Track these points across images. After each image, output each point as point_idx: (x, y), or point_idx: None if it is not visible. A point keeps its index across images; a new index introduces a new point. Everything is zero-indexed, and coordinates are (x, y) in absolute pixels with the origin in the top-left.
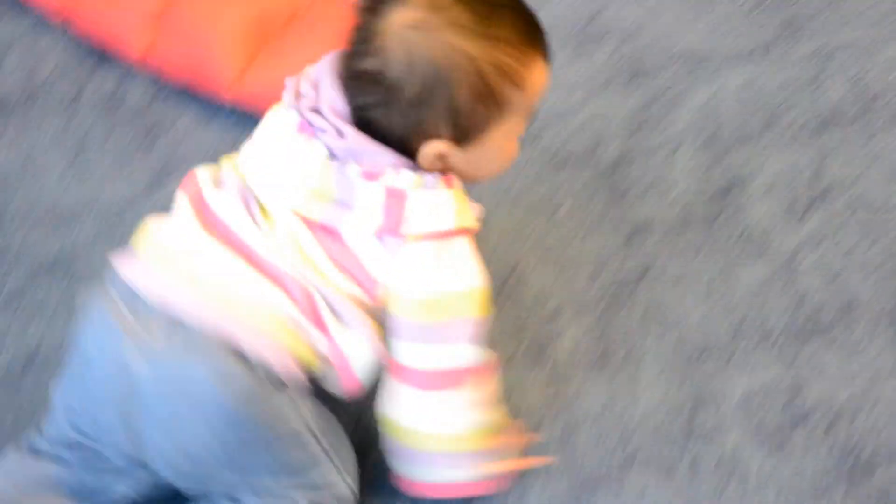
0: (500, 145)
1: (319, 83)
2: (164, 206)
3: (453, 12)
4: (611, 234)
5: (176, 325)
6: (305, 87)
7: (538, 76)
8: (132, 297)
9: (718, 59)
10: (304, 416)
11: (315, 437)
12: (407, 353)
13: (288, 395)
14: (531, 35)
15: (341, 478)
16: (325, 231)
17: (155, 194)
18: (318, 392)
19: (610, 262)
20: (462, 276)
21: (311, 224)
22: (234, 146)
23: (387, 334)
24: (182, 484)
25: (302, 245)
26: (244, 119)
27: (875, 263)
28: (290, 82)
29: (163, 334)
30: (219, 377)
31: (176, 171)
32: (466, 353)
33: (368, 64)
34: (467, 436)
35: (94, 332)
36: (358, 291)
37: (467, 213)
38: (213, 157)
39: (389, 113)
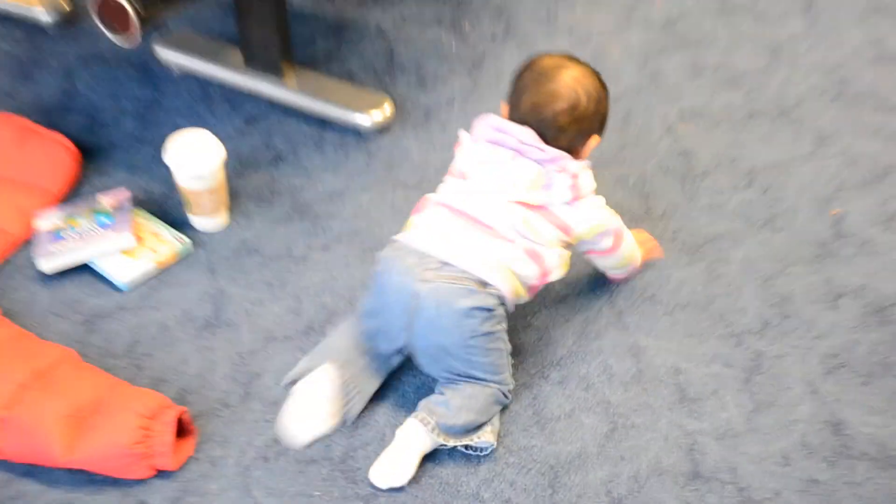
0: None
1: (507, 130)
2: None
3: (578, 62)
4: None
5: (443, 265)
6: (494, 137)
7: None
8: (415, 252)
9: None
10: (506, 339)
11: (510, 354)
12: (601, 245)
13: (504, 321)
14: None
15: (509, 377)
16: (541, 208)
17: None
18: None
19: None
20: (603, 208)
21: (532, 207)
22: None
23: (582, 249)
24: (427, 368)
25: (528, 219)
26: None
27: None
28: (469, 137)
29: (434, 269)
30: (469, 295)
31: None
32: (613, 236)
33: (563, 104)
34: (631, 255)
35: (390, 272)
36: (563, 236)
37: (594, 184)
38: None
39: (577, 124)
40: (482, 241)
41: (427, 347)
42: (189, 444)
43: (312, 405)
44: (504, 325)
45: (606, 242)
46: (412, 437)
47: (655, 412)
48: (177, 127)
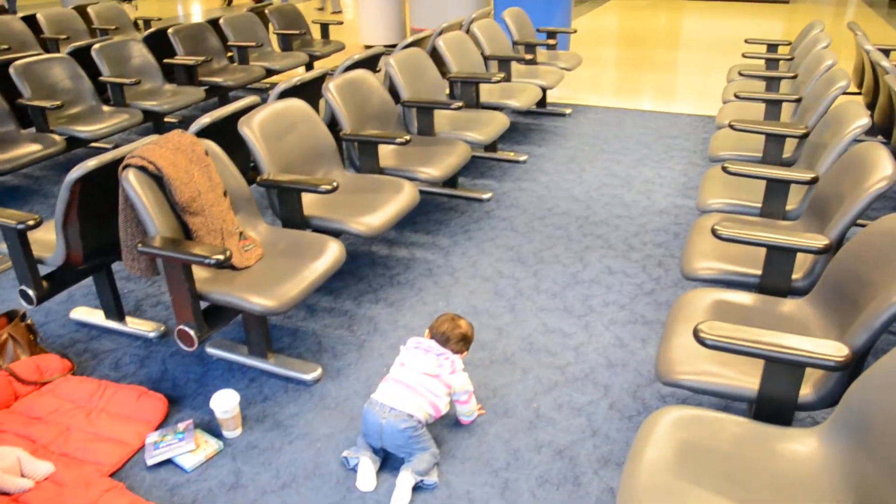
0: None
1: (422, 343)
2: None
3: (459, 324)
4: None
5: (391, 409)
6: (419, 345)
7: None
8: (378, 404)
9: None
10: (426, 434)
11: (431, 440)
12: (461, 397)
13: (424, 427)
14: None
15: (435, 448)
16: (436, 377)
17: None
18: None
19: None
20: (466, 378)
21: (432, 376)
22: None
23: (454, 398)
24: (396, 452)
25: (429, 384)
26: None
27: None
28: (406, 348)
29: (388, 412)
30: (404, 421)
31: None
32: (469, 392)
33: (455, 341)
34: (473, 408)
35: (369, 413)
36: (447, 390)
37: (462, 364)
38: None
39: (458, 345)
40: (409, 396)
41: (391, 444)
42: None
43: (368, 474)
44: (424, 429)
45: (464, 396)
46: (404, 479)
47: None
48: (217, 385)
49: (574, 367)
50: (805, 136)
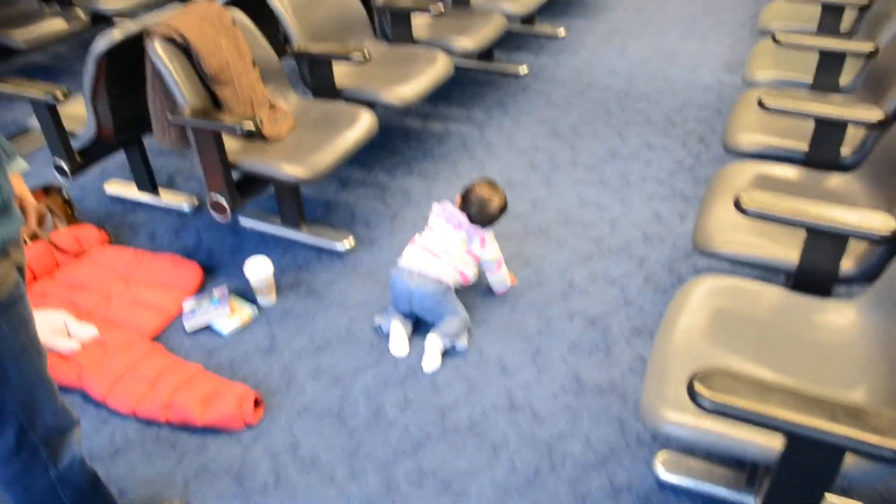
0: None
1: (454, 215)
2: None
3: (497, 193)
4: None
5: (420, 274)
6: (448, 215)
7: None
8: (406, 269)
9: None
10: (455, 298)
11: (460, 304)
12: (491, 266)
13: (453, 292)
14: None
15: (465, 313)
16: (467, 252)
17: None
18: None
19: None
20: (496, 248)
21: (463, 251)
22: None
23: (483, 266)
24: (425, 317)
25: (458, 256)
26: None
27: None
28: (434, 214)
29: (416, 276)
30: (432, 285)
31: None
32: (498, 262)
33: (490, 216)
34: (505, 277)
35: (397, 279)
36: (475, 261)
37: (492, 233)
38: None
39: (484, 220)
40: (438, 263)
41: (420, 309)
42: (261, 411)
43: (400, 339)
44: (452, 294)
45: (494, 266)
46: (432, 342)
47: (490, 378)
48: (250, 255)
49: (609, 240)
50: (867, 6)
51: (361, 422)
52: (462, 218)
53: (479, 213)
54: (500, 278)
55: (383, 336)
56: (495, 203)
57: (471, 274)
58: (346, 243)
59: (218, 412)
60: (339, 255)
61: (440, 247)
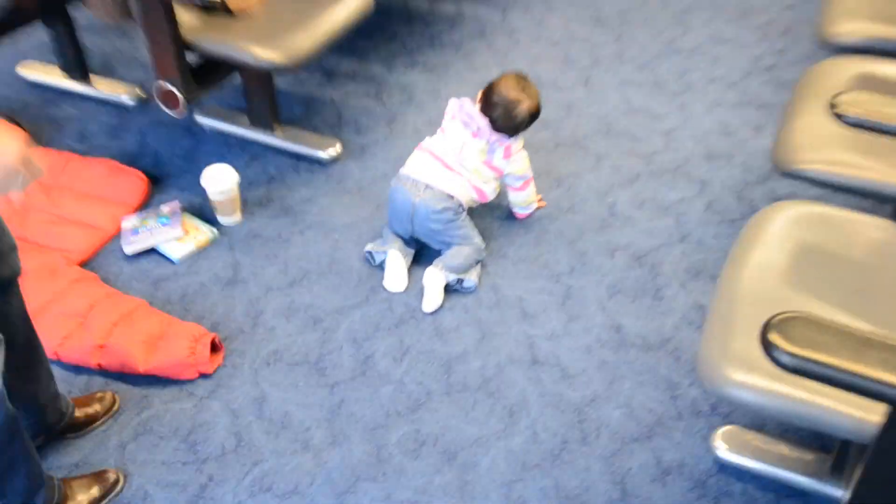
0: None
1: (473, 118)
2: None
3: (528, 92)
4: None
5: (427, 187)
6: (466, 118)
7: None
8: (410, 180)
9: None
10: (468, 220)
11: (474, 229)
12: (516, 183)
13: (466, 212)
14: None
15: (479, 240)
16: (486, 163)
17: None
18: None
19: None
20: (524, 160)
21: (482, 162)
22: None
23: (506, 182)
24: (430, 243)
25: (477, 169)
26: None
27: None
28: (449, 115)
29: (422, 189)
30: (441, 201)
31: None
32: (528, 177)
33: (519, 122)
34: (532, 198)
35: (398, 192)
36: (496, 175)
37: (522, 142)
38: None
39: (510, 127)
40: (449, 175)
41: (424, 232)
42: (219, 357)
43: (397, 271)
44: (465, 215)
45: (519, 183)
46: (432, 276)
47: (508, 324)
48: (209, 163)
49: (663, 157)
50: None
51: (345, 374)
52: (483, 123)
53: (505, 119)
54: (526, 199)
55: (375, 267)
56: (525, 106)
57: (489, 191)
58: (330, 151)
59: (165, 357)
60: (321, 165)
61: (454, 156)
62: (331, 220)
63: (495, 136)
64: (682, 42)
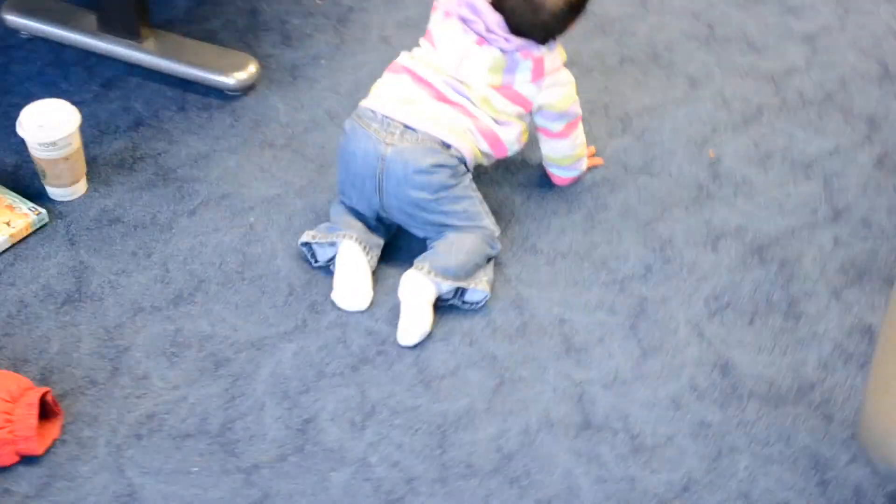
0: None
1: (479, 12)
2: None
3: None
4: None
5: (406, 129)
6: (467, 14)
7: None
8: (377, 118)
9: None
10: (474, 188)
11: (483, 203)
12: (554, 126)
13: (469, 175)
14: None
15: (491, 222)
16: (501, 88)
17: None
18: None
19: None
20: (568, 86)
21: (495, 87)
22: None
23: (537, 123)
24: (408, 226)
25: (487, 97)
26: None
27: None
28: (441, 11)
29: (398, 133)
30: (430, 154)
31: None
32: (570, 120)
33: (547, 16)
34: (580, 152)
35: (356, 139)
36: (521, 110)
37: (564, 56)
38: None
39: (551, 30)
40: (442, 110)
41: (401, 206)
42: (55, 427)
43: (353, 274)
44: (469, 178)
45: (560, 125)
46: (414, 286)
47: (542, 363)
48: (28, 94)
49: (804, 79)
50: None
51: (270, 452)
52: (494, 20)
53: (528, 12)
54: (571, 152)
55: (317, 268)
56: None
57: (510, 137)
58: (239, 74)
59: None
60: (224, 100)
61: (449, 80)
62: (240, 193)
63: (516, 41)
64: None
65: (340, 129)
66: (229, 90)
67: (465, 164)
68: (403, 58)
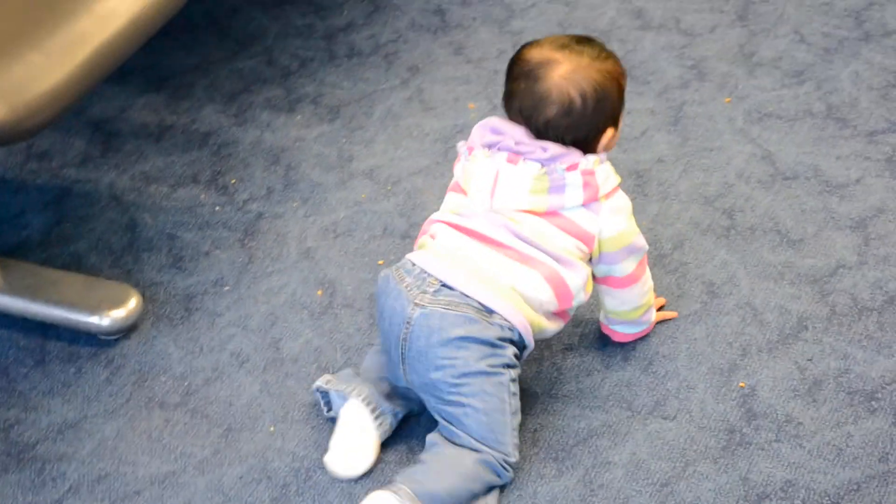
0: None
1: (502, 133)
2: None
3: (575, 51)
4: None
5: (442, 287)
6: (490, 137)
7: None
8: (415, 271)
9: None
10: (513, 391)
11: (514, 411)
12: (621, 267)
13: (513, 365)
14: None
15: (512, 443)
16: (551, 214)
17: None
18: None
19: None
20: (629, 216)
21: (539, 214)
22: None
23: (598, 272)
24: (427, 402)
25: (537, 228)
26: None
27: None
28: (462, 155)
29: (431, 292)
30: (466, 323)
31: None
32: (639, 258)
33: (556, 109)
34: (651, 298)
35: (386, 294)
36: (582, 245)
37: (618, 177)
38: None
39: (576, 127)
40: (489, 258)
41: (421, 385)
42: None
43: (353, 442)
44: (513, 372)
45: (629, 265)
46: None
47: None
48: None
49: (861, 277)
50: None
51: None
52: (519, 131)
53: (535, 105)
54: (641, 300)
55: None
56: (604, 75)
57: (577, 282)
58: (117, 312)
59: None
60: (99, 347)
61: (488, 216)
62: (122, 473)
63: (553, 148)
64: None
65: (254, 375)
66: (103, 334)
67: (512, 342)
68: (435, 214)
